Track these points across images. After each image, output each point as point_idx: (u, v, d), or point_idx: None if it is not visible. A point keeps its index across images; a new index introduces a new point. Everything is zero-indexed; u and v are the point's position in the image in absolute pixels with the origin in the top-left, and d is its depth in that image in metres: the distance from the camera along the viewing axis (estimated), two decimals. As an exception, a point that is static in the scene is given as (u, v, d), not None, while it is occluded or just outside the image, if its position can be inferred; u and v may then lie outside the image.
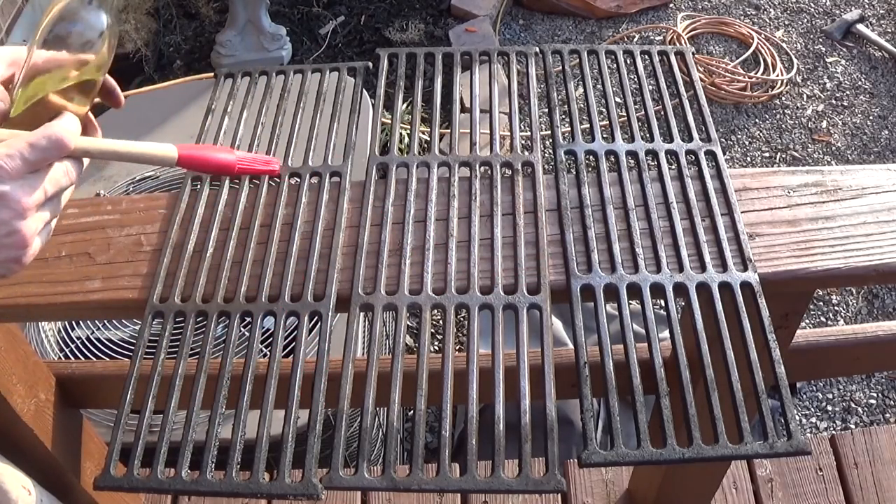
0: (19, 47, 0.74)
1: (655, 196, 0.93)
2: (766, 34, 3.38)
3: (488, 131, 1.03)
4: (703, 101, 1.03)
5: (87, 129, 0.72)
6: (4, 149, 0.61)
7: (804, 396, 2.31)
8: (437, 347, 2.18)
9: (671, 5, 3.52)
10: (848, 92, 3.19)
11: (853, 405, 2.29)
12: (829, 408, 2.29)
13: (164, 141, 0.94)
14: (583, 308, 0.84)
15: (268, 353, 0.81)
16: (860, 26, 3.39)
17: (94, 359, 1.54)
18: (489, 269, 0.86)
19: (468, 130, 1.01)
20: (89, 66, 0.70)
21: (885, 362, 1.35)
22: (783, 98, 3.16)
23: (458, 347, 2.24)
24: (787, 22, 3.48)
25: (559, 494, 1.56)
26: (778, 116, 3.10)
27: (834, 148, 2.99)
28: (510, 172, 0.96)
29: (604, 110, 1.07)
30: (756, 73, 3.20)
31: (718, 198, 0.93)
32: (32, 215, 0.63)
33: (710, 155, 0.97)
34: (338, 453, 0.73)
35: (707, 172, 0.95)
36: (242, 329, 0.83)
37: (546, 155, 2.64)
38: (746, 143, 3.00)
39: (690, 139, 0.99)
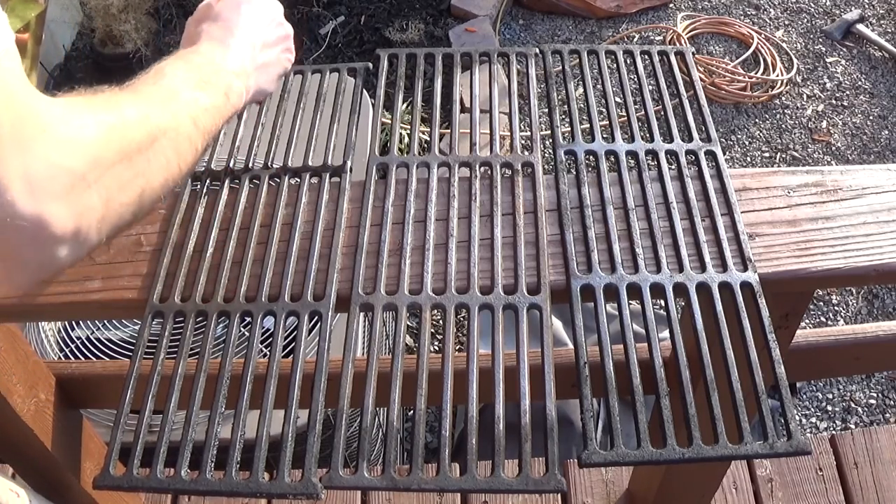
0: None
1: (655, 196, 0.93)
2: (766, 34, 3.38)
3: (488, 131, 1.03)
4: (703, 101, 1.03)
5: None
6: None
7: (804, 396, 2.31)
8: (437, 347, 2.17)
9: (671, 5, 3.52)
10: (848, 92, 3.19)
11: (853, 405, 2.29)
12: (829, 408, 2.29)
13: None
14: (583, 308, 0.84)
15: (267, 352, 0.81)
16: (860, 26, 3.39)
17: (94, 359, 1.54)
18: (489, 269, 0.86)
19: (468, 130, 1.01)
20: None
21: (885, 362, 1.35)
22: (783, 98, 3.16)
23: (458, 347, 2.24)
24: (787, 22, 3.48)
25: (559, 494, 1.56)
26: (778, 116, 3.10)
27: (834, 148, 2.99)
28: (510, 172, 0.96)
29: (604, 110, 1.07)
30: (756, 73, 3.20)
31: (718, 198, 0.93)
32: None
33: (710, 155, 0.97)
34: (338, 453, 0.73)
35: (707, 172, 0.95)
36: (242, 329, 0.83)
37: (546, 155, 2.64)
38: (746, 143, 3.00)
39: (690, 139, 0.99)
